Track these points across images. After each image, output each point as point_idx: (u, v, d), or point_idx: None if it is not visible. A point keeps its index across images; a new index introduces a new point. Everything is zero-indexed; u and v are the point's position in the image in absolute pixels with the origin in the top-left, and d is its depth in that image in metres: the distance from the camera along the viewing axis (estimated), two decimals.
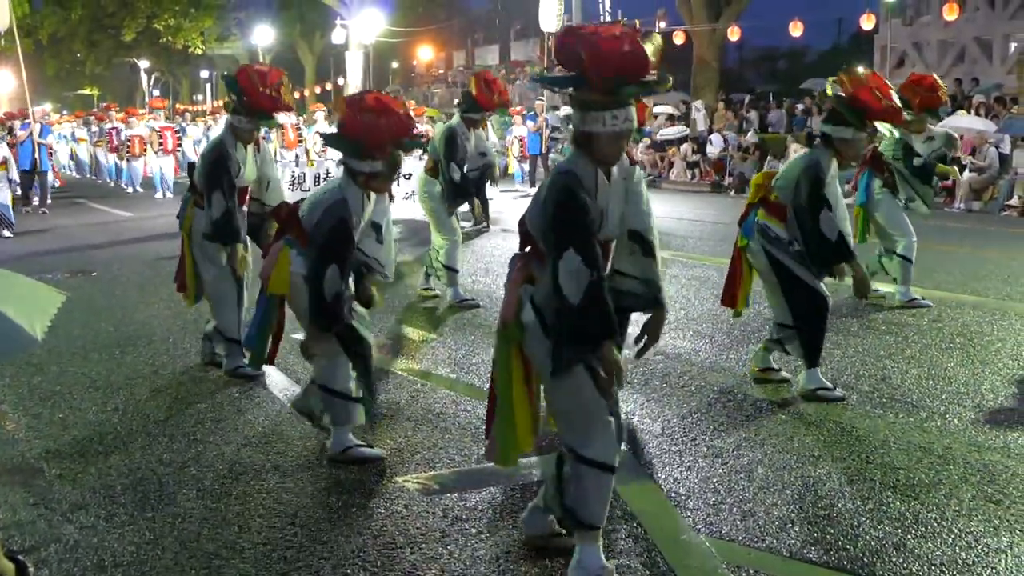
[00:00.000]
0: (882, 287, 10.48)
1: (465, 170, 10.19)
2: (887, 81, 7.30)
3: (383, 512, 5.16)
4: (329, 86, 54.05)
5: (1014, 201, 20.30)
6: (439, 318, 9.92)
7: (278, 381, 7.57)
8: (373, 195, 5.80)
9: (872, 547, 4.71)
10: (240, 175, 7.55)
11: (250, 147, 7.68)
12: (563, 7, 30.68)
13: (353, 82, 40.88)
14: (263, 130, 8.39)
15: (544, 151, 26.60)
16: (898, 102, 7.02)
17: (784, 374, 7.41)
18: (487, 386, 7.30)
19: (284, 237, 5.89)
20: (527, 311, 4.32)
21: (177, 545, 4.79)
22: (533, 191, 27.92)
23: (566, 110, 29.57)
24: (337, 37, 44.13)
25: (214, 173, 7.50)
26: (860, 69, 7.16)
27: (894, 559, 4.59)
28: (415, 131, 5.87)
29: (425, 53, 52.82)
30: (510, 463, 4.64)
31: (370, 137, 5.56)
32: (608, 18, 33.16)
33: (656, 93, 4.70)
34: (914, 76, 10.53)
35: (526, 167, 26.29)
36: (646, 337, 4.61)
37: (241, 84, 7.49)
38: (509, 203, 21.44)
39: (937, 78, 10.40)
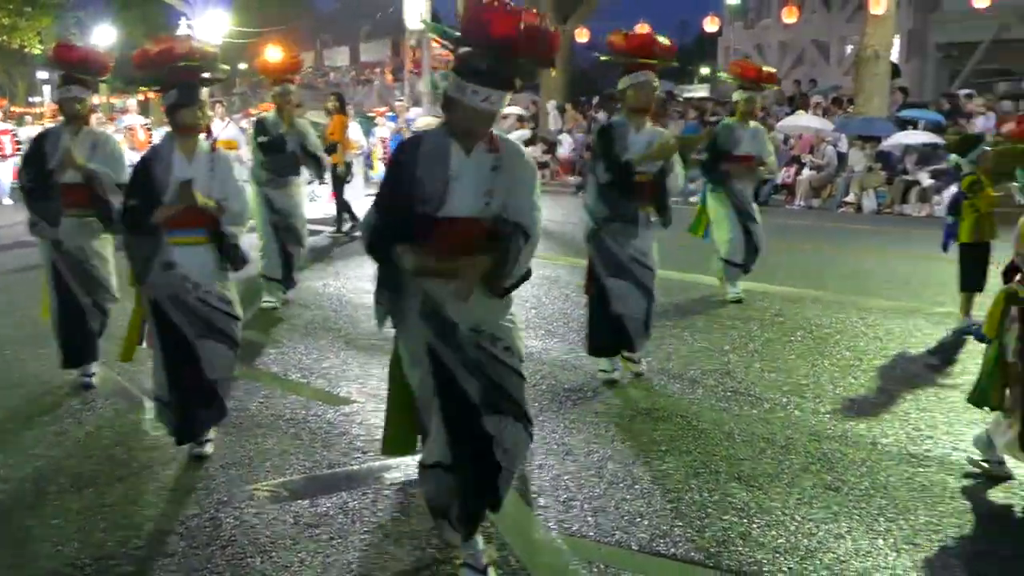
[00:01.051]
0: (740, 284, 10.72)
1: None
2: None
3: (232, 521, 5.06)
4: None
5: (851, 198, 20.98)
6: (289, 324, 9.77)
7: (123, 392, 7.38)
8: (195, 151, 5.79)
9: (718, 537, 4.81)
10: (57, 158, 7.11)
11: (82, 134, 7.32)
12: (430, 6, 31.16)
13: None
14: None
15: None
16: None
17: (643, 367, 7.53)
18: (337, 390, 7.31)
19: None
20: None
21: (14, 565, 4.62)
22: None
23: (416, 111, 29.51)
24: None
25: (27, 153, 7.45)
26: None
27: (740, 548, 4.70)
28: (189, 53, 5.85)
29: (273, 53, 52.50)
30: (394, 454, 4.89)
31: (145, 63, 5.79)
32: None
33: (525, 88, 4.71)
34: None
35: None
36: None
37: (56, 50, 7.50)
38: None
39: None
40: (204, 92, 5.84)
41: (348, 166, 16.79)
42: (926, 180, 20.05)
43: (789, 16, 32.74)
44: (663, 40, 7.25)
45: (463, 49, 4.10)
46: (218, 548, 4.76)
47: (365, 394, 7.21)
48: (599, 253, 7.17)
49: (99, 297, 7.43)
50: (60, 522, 5.07)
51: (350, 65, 58.21)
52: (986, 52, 32.47)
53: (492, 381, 4.23)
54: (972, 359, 8.06)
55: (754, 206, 10.53)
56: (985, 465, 5.59)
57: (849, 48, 36.26)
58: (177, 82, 5.74)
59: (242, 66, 46.41)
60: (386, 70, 47.04)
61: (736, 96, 10.42)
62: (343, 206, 16.76)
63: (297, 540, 4.84)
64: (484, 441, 4.21)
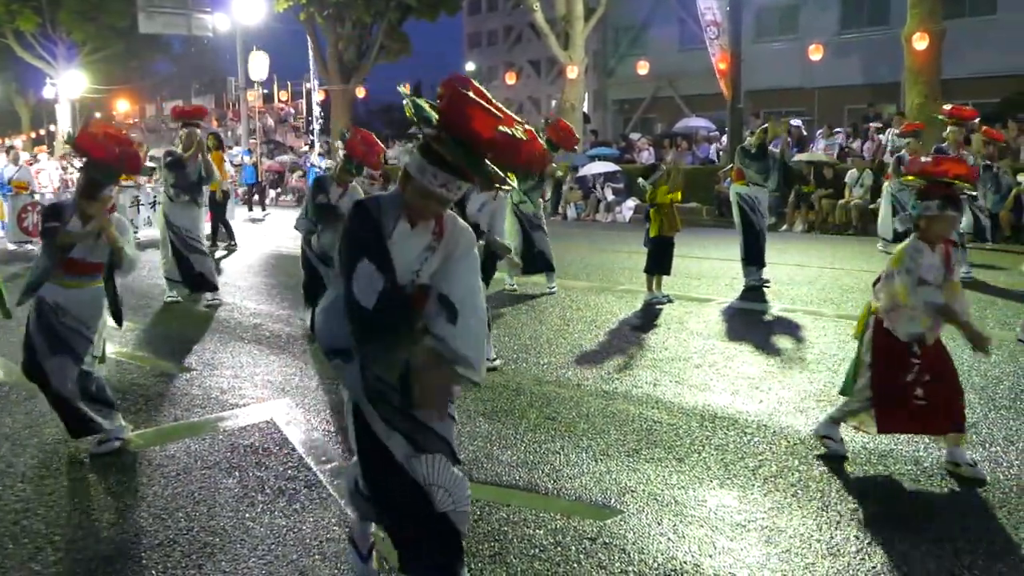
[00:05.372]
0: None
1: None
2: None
3: (98, 465, 4.77)
4: (43, 132, 49.01)
5: (559, 209, 21.51)
6: (153, 317, 9.24)
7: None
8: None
9: (470, 458, 4.81)
10: None
11: None
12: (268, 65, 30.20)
13: (63, 128, 37.83)
14: None
15: (259, 180, 25.29)
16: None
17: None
18: (181, 362, 6.94)
19: None
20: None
21: None
22: (253, 214, 25.28)
23: (239, 148, 28.21)
24: (48, 92, 40.83)
25: None
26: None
27: (485, 465, 4.72)
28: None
29: (123, 105, 49.47)
30: None
31: (118, 165, 4.86)
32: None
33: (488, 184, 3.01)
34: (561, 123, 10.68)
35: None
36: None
37: None
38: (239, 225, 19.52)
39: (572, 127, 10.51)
40: None
41: (225, 192, 15.99)
42: (610, 196, 20.74)
43: (511, 79, 33.50)
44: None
45: (431, 131, 2.92)
46: (91, 486, 4.50)
47: (202, 363, 6.87)
48: None
49: None
50: None
51: None
52: (647, 106, 33.90)
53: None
54: (648, 321, 8.38)
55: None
56: (829, 442, 4.82)
57: (553, 102, 37.24)
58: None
59: (97, 115, 43.60)
60: (212, 117, 45.18)
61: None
62: (226, 225, 15.85)
63: (152, 476, 4.59)
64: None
